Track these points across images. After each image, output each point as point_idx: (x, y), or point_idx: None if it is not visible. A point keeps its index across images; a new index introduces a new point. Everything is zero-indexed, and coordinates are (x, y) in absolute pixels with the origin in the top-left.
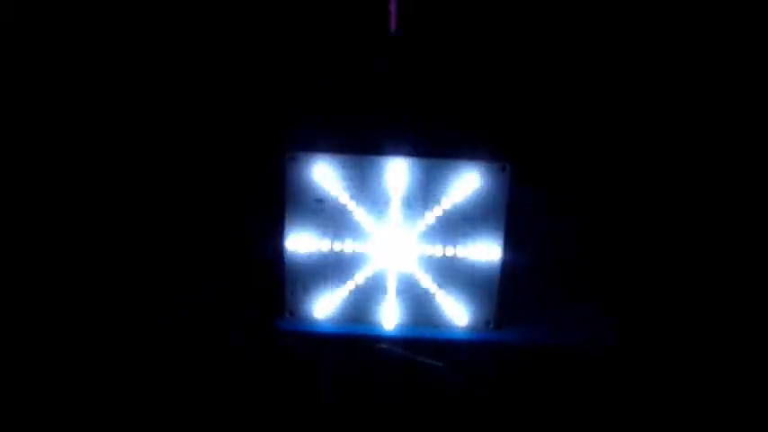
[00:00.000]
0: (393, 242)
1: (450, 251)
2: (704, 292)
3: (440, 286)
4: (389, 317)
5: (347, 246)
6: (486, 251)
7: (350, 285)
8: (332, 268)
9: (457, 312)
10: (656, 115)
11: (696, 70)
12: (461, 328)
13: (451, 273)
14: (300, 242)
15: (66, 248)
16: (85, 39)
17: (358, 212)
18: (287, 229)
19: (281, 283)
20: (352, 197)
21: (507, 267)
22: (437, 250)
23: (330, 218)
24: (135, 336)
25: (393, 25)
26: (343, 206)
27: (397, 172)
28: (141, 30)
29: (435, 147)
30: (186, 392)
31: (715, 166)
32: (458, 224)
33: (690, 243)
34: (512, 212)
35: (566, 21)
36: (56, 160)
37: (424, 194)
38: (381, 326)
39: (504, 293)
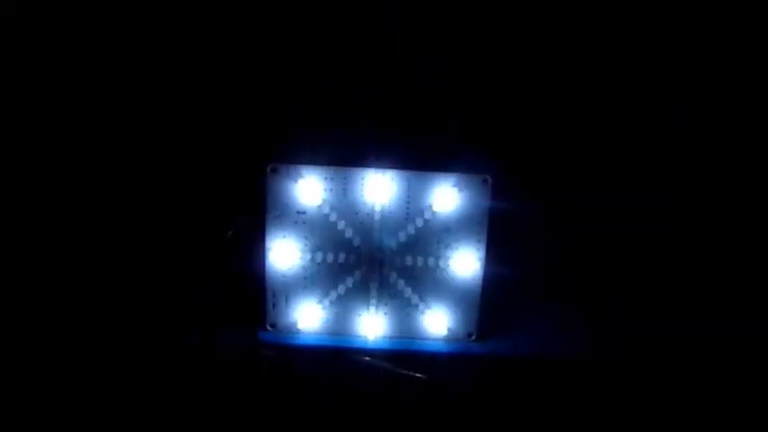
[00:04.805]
0: (375, 254)
1: (432, 263)
2: (689, 304)
3: (421, 298)
4: (371, 329)
5: (329, 258)
6: (468, 263)
7: (331, 297)
8: (313, 280)
9: (439, 324)
10: (639, 127)
11: (680, 76)
12: (443, 339)
13: (433, 284)
14: (282, 254)
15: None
16: (70, 49)
17: (340, 224)
18: (268, 241)
19: (262, 295)
20: (333, 209)
21: (489, 279)
22: (419, 262)
23: (312, 229)
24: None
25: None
26: (325, 218)
27: (379, 184)
28: (124, 41)
29: (417, 159)
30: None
31: (704, 172)
32: (440, 236)
33: (674, 255)
34: (494, 224)
35: (548, 32)
36: (34, 170)
37: (405, 206)
38: (363, 338)
39: (487, 305)
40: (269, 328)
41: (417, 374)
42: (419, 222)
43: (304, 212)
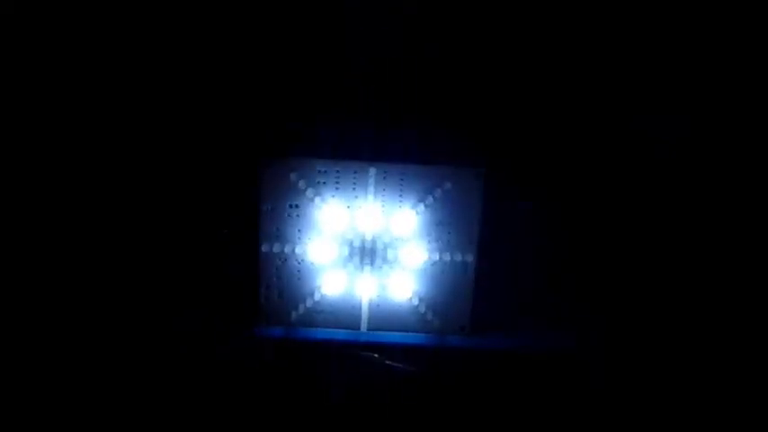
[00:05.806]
0: (368, 247)
1: (424, 256)
2: (683, 303)
3: (414, 291)
4: (364, 321)
5: (322, 250)
6: (461, 256)
7: (324, 290)
8: (306, 273)
9: (431, 317)
10: (638, 119)
11: (676, 73)
12: (436, 333)
13: (426, 277)
14: (275, 247)
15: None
16: (62, 45)
17: (332, 217)
18: (261, 235)
19: (255, 288)
20: (326, 202)
21: (482, 272)
22: (412, 255)
23: (305, 223)
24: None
25: None
26: (318, 211)
27: (372, 177)
28: (114, 38)
29: (411, 152)
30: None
31: (701, 165)
32: (433, 229)
33: (672, 251)
34: (487, 217)
35: (543, 23)
36: (30, 166)
37: (400, 199)
38: (356, 330)
39: (479, 299)
40: (262, 321)
41: (409, 367)
42: (412, 215)
43: (297, 206)
